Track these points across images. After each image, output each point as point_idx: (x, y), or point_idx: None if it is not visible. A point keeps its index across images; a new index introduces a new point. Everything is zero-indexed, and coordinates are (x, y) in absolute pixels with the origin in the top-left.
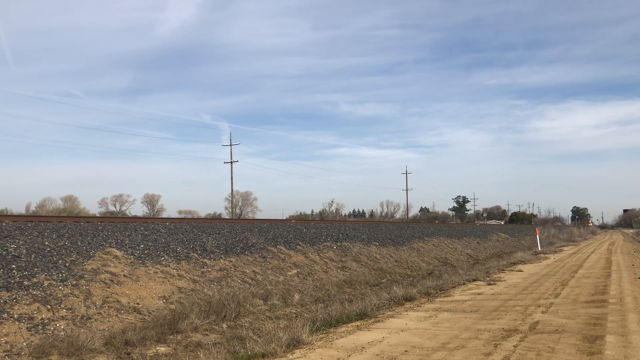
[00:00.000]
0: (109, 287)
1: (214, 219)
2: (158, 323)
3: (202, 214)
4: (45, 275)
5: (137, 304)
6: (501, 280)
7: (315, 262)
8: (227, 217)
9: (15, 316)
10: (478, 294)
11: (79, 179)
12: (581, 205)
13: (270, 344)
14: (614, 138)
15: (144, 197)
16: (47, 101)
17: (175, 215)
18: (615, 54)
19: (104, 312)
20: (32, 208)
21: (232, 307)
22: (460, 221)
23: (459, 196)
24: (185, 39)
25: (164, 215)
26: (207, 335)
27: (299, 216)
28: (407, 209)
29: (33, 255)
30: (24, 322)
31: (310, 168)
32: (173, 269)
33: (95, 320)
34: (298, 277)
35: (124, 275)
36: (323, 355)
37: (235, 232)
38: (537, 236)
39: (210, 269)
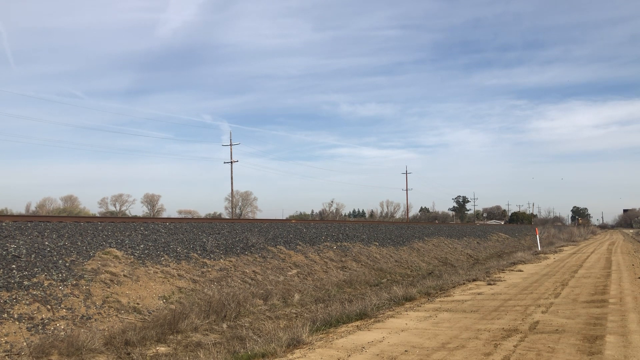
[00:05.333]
0: (109, 287)
1: (214, 219)
2: (158, 323)
3: (202, 214)
4: (45, 275)
5: (137, 304)
6: (501, 280)
7: (315, 262)
8: (227, 217)
9: (15, 316)
10: (478, 294)
11: (79, 179)
12: (581, 205)
13: (270, 344)
14: (614, 138)
15: (144, 197)
16: (48, 101)
17: (175, 215)
18: (615, 54)
19: (104, 312)
20: (32, 208)
21: (232, 307)
22: (460, 221)
23: (459, 196)
24: (186, 40)
25: (164, 215)
26: (207, 335)
27: (299, 216)
28: (407, 209)
29: (33, 255)
30: (24, 322)
31: (311, 168)
32: (173, 269)
33: (95, 320)
34: (298, 277)
35: (124, 275)
36: (323, 355)
37: (235, 232)
38: (537, 236)
39: (210, 269)
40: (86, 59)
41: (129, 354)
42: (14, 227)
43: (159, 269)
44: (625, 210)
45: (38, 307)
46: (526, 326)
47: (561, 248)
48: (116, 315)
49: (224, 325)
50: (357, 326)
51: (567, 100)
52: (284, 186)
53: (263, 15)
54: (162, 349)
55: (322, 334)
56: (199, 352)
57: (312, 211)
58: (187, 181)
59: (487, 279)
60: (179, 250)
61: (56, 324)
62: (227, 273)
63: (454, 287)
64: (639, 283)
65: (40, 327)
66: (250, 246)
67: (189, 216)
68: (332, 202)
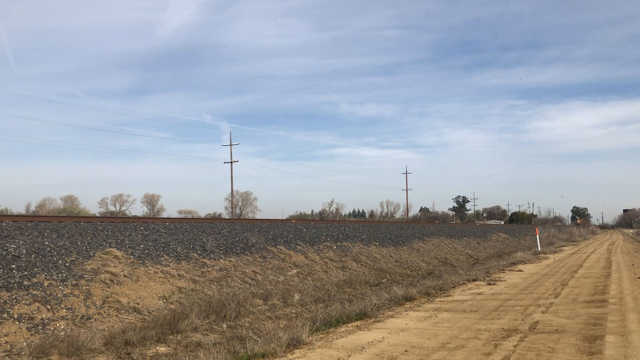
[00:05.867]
0: (109, 287)
1: (214, 219)
2: (158, 323)
3: (202, 214)
4: (45, 275)
5: (137, 304)
6: (501, 280)
7: (315, 262)
8: (227, 217)
9: (15, 316)
10: (478, 294)
11: (79, 179)
12: (581, 205)
13: (270, 344)
14: (614, 138)
15: (144, 197)
16: (48, 101)
17: (175, 215)
18: (615, 54)
19: (104, 312)
20: (32, 208)
21: (232, 307)
22: (460, 221)
23: (459, 196)
24: (187, 40)
25: (164, 215)
26: (207, 335)
27: (299, 216)
28: (407, 209)
29: (33, 255)
30: (24, 322)
31: (311, 168)
32: (173, 269)
33: (95, 320)
34: (298, 277)
35: (124, 275)
36: (323, 355)
37: (235, 232)
38: (537, 236)
39: (210, 269)
40: (86, 59)
41: (129, 354)
42: (14, 227)
43: (159, 269)
44: (625, 210)
45: (38, 307)
46: (526, 326)
47: (561, 248)
48: (116, 315)
49: (224, 325)
50: (357, 326)
51: (567, 100)
52: (284, 186)
53: (263, 15)
54: (162, 349)
55: (322, 334)
56: (199, 352)
57: (312, 211)
58: (187, 181)
59: (487, 279)
60: (179, 250)
61: (56, 324)
62: (227, 273)
63: (454, 287)
64: (639, 283)
65: (40, 327)
66: (250, 246)
67: (189, 216)
68: (332, 202)
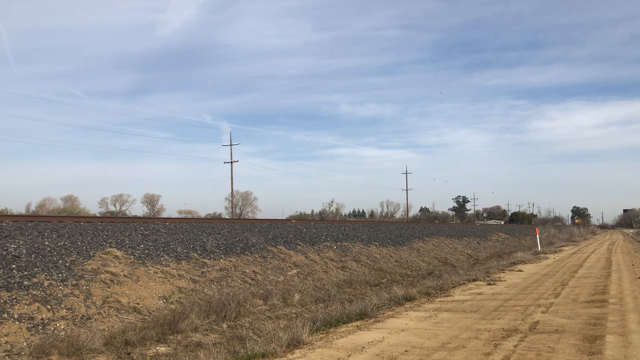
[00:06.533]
0: (109, 287)
1: (214, 219)
2: (158, 323)
3: (202, 214)
4: (45, 275)
5: (137, 304)
6: (501, 280)
7: (315, 262)
8: (227, 217)
9: (16, 316)
10: (478, 294)
11: (79, 179)
12: (581, 205)
13: (270, 344)
14: (614, 138)
15: (144, 197)
16: (48, 101)
17: (175, 215)
18: (615, 54)
19: (104, 312)
20: (32, 208)
21: (232, 307)
22: (460, 221)
23: (459, 196)
24: (187, 40)
25: (164, 215)
26: (207, 335)
27: (299, 216)
28: (407, 209)
29: (33, 255)
30: (24, 322)
31: (311, 168)
32: (173, 269)
33: (95, 320)
34: (298, 277)
35: (124, 275)
36: (323, 355)
37: (235, 232)
38: (537, 236)
39: (210, 269)
40: (86, 59)
41: (129, 354)
42: (14, 227)
43: (159, 269)
44: (625, 210)
45: (38, 307)
46: (526, 326)
47: (561, 248)
48: (116, 315)
49: (224, 325)
50: (357, 326)
51: (567, 100)
52: (284, 186)
53: (263, 15)
54: (162, 349)
55: (322, 334)
56: (199, 352)
57: (312, 211)
58: (187, 181)
59: (487, 279)
60: (179, 250)
61: (56, 324)
62: (227, 273)
63: (454, 287)
64: (639, 283)
65: (40, 327)
66: (250, 246)
67: (189, 216)
68: (332, 202)
